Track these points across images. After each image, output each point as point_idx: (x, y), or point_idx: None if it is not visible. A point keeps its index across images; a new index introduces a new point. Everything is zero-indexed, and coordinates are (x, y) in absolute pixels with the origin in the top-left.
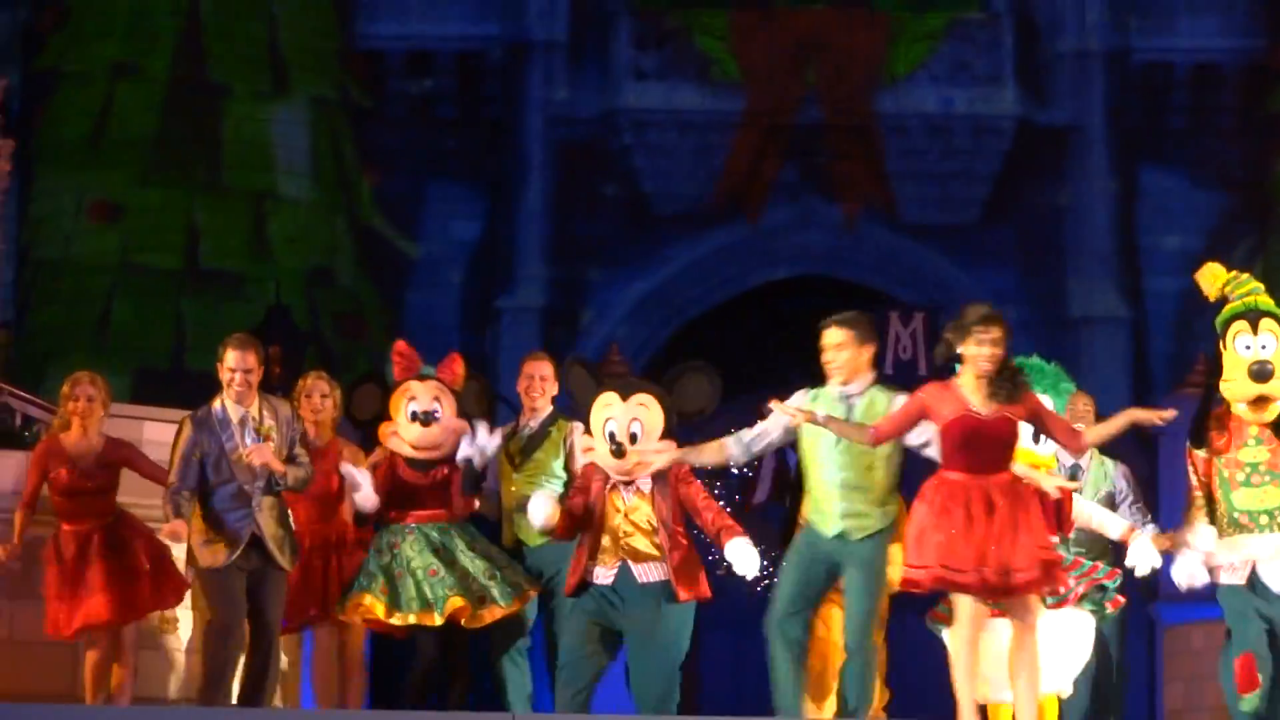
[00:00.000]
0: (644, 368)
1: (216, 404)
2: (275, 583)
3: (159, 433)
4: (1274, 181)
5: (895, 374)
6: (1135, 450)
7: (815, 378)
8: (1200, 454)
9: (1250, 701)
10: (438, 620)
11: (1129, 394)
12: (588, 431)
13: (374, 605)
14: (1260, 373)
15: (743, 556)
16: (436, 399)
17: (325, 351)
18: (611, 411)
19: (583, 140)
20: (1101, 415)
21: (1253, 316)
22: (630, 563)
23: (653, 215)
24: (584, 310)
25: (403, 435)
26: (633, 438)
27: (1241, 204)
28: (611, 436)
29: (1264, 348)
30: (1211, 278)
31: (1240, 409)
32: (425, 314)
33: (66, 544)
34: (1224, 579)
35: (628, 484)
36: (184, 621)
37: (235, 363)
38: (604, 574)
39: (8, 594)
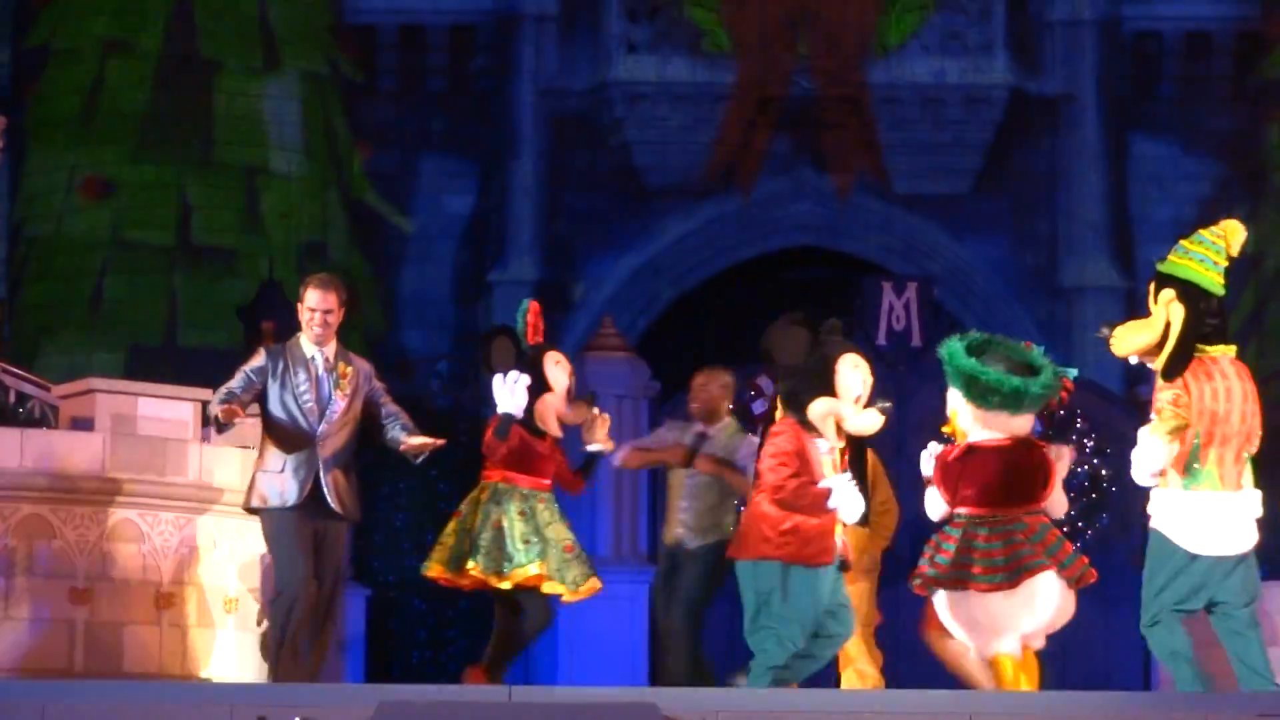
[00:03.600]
0: (637, 340)
1: (292, 343)
2: (336, 536)
3: (153, 408)
4: (1266, 149)
5: (888, 345)
6: (1125, 417)
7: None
8: None
9: None
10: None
11: (1121, 364)
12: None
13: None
14: None
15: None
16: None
17: None
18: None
19: (574, 113)
20: (1097, 383)
21: None
22: None
23: (645, 188)
24: (576, 283)
25: (550, 402)
26: None
27: (1234, 172)
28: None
29: None
30: (1234, 232)
31: None
32: (418, 288)
33: None
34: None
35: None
36: (189, 601)
37: (316, 302)
38: None
39: (4, 571)
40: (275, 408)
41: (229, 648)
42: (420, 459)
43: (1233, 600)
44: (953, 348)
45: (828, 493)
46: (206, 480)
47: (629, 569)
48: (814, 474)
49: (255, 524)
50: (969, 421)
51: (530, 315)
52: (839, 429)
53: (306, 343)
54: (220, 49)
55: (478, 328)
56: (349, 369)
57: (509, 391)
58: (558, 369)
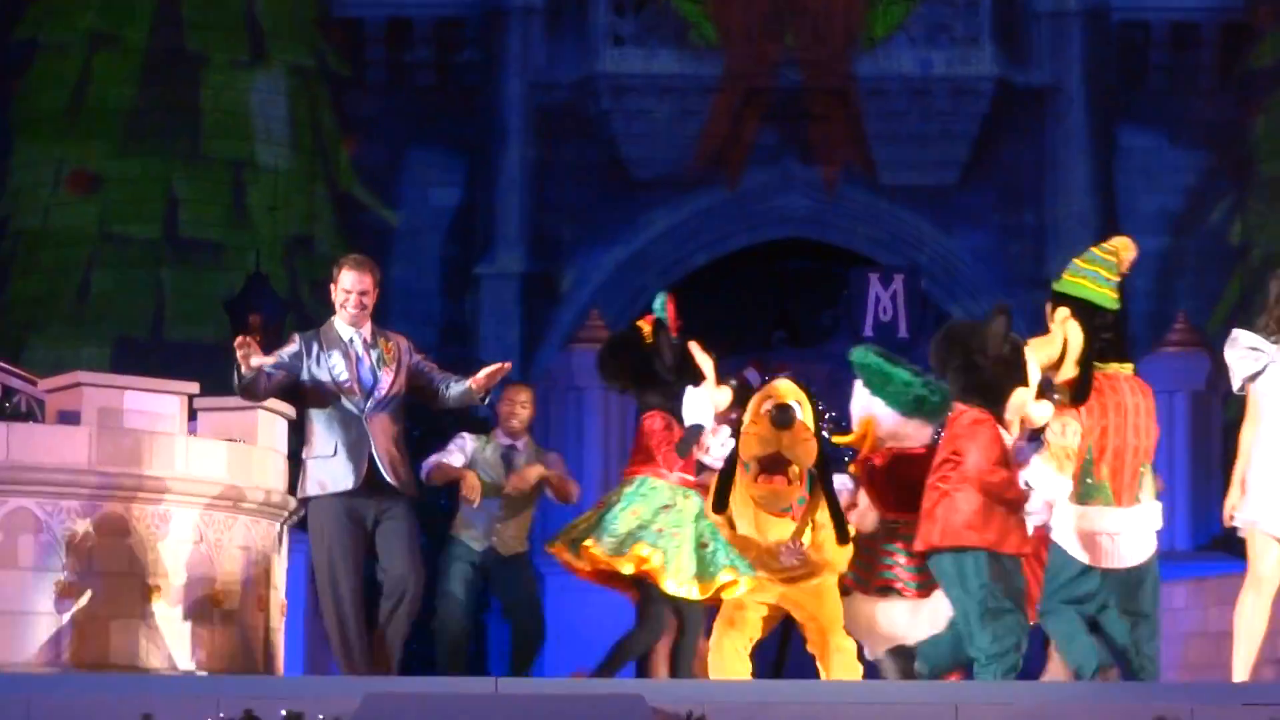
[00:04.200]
0: None
1: (325, 327)
2: (399, 516)
3: (140, 402)
4: (1252, 140)
5: (875, 335)
6: None
7: (795, 338)
8: None
9: None
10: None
11: None
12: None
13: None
14: None
15: None
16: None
17: (305, 319)
18: None
19: (561, 106)
20: None
21: None
22: None
23: (632, 180)
24: (564, 276)
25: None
26: None
27: (1220, 162)
28: None
29: None
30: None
31: None
32: (405, 280)
33: None
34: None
35: None
36: (176, 594)
37: (351, 283)
38: None
39: None
40: (316, 391)
41: (217, 640)
42: (486, 397)
43: (1129, 607)
44: (871, 356)
45: (1029, 487)
46: (194, 473)
47: None
48: (1014, 467)
49: (244, 518)
50: (890, 429)
51: (670, 307)
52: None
53: (342, 324)
54: (206, 43)
55: (464, 321)
56: (390, 345)
57: (719, 443)
58: (705, 357)
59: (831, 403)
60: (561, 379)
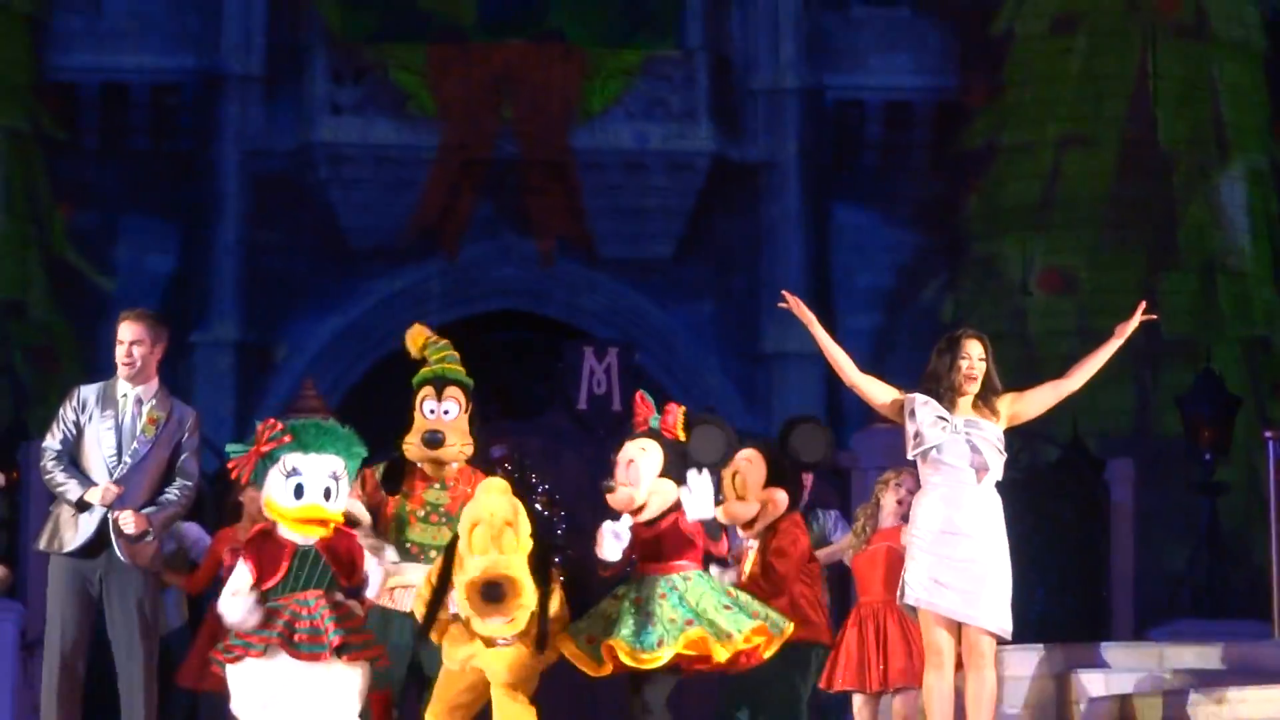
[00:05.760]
0: (339, 404)
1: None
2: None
3: None
4: (965, 218)
5: (589, 409)
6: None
7: (510, 410)
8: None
9: None
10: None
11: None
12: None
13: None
14: (430, 440)
15: None
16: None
17: (17, 385)
18: None
19: (278, 174)
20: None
21: (439, 384)
22: None
23: (349, 249)
24: (279, 345)
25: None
26: None
27: (933, 241)
28: None
29: (446, 413)
30: (413, 338)
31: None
32: None
33: None
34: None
35: None
36: None
37: (123, 334)
38: None
39: None
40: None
41: None
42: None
43: None
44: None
45: None
46: None
47: None
48: None
49: None
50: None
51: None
52: None
53: (121, 381)
54: None
55: (179, 387)
56: (161, 415)
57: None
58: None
59: (545, 473)
60: None
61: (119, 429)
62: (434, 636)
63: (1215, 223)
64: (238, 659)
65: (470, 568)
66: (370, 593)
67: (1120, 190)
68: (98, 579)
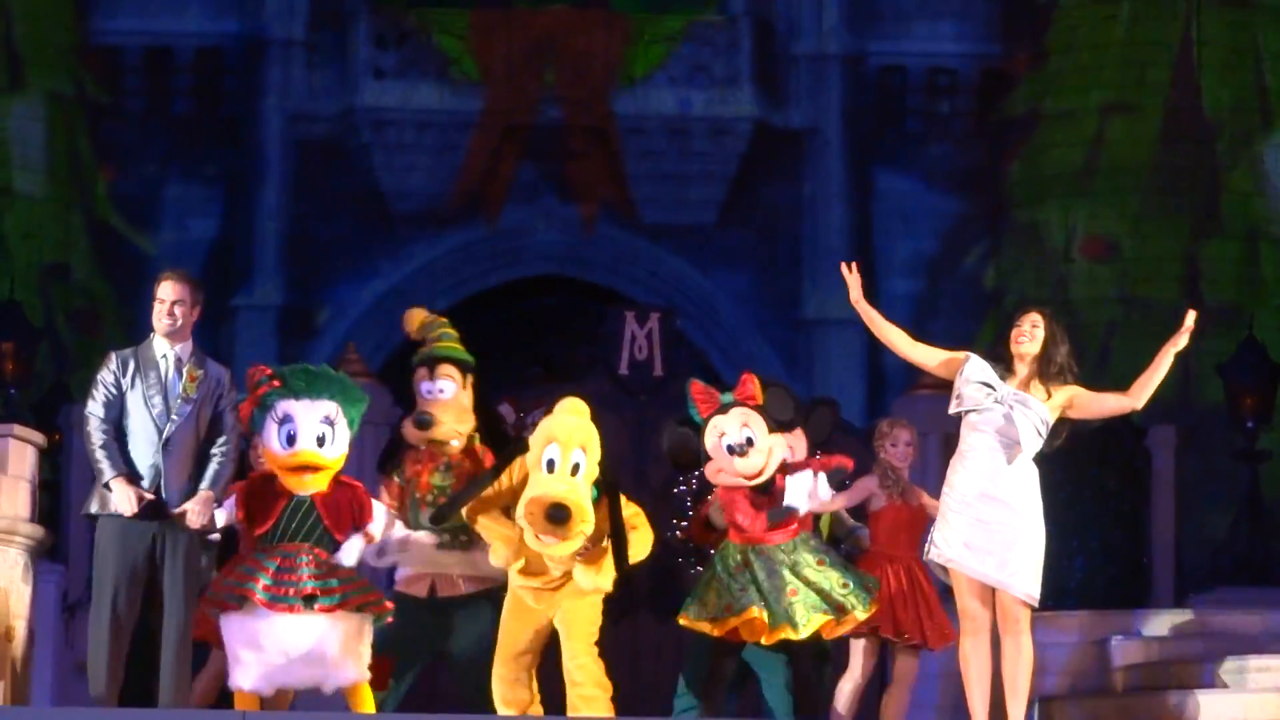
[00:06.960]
0: (380, 367)
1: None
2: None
3: None
4: (1007, 185)
5: (631, 374)
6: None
7: (554, 375)
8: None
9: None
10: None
11: (863, 395)
12: None
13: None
14: (420, 421)
15: None
16: (745, 425)
17: (59, 348)
18: None
19: (321, 138)
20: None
21: (432, 363)
22: None
23: (391, 214)
24: (321, 309)
25: (731, 470)
26: None
27: (975, 207)
28: None
29: (441, 392)
30: (410, 320)
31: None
32: None
33: None
34: None
35: None
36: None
37: (164, 293)
38: None
39: None
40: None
41: None
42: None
43: None
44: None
45: None
46: None
47: None
48: None
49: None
50: None
51: (694, 395)
52: None
53: (158, 339)
54: None
55: (220, 353)
56: (200, 374)
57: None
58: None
59: None
60: None
61: (164, 389)
62: (466, 515)
63: (1259, 190)
64: (219, 613)
65: (537, 484)
66: (374, 529)
67: (1163, 157)
68: (151, 538)
